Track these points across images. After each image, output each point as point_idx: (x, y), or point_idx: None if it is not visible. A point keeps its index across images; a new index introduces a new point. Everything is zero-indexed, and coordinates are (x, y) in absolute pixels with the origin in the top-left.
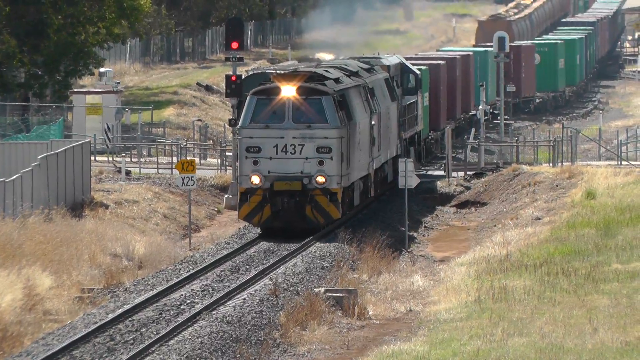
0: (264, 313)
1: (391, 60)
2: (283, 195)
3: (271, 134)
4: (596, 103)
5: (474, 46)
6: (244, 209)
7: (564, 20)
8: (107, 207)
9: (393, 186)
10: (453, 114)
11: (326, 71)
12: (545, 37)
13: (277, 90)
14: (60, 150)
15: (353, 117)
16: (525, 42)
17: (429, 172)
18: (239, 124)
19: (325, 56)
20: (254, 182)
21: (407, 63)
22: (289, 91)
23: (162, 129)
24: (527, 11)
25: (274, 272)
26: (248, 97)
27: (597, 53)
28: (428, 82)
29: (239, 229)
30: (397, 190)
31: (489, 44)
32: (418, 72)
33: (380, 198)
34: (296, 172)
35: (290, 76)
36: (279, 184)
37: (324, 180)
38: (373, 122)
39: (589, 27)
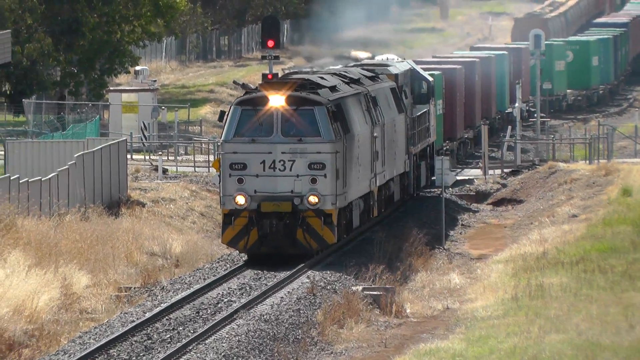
0: (301, 311)
1: (400, 67)
2: (271, 217)
3: (258, 148)
4: (626, 106)
5: (468, 49)
6: (228, 232)
7: (595, 21)
8: (143, 205)
9: (400, 205)
10: (472, 122)
11: (321, 78)
12: (571, 37)
13: (264, 100)
14: (96, 148)
15: (351, 129)
16: (520, 43)
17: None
18: (222, 138)
19: (361, 54)
20: (238, 203)
21: (419, 69)
22: (277, 101)
23: (199, 127)
24: (562, 9)
25: (312, 270)
26: (232, 108)
27: (629, 54)
28: (442, 88)
29: None
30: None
31: (502, 44)
32: (430, 78)
33: (413, 198)
34: (286, 192)
35: (279, 84)
36: (267, 205)
37: (317, 200)
38: (375, 134)
39: (621, 28)
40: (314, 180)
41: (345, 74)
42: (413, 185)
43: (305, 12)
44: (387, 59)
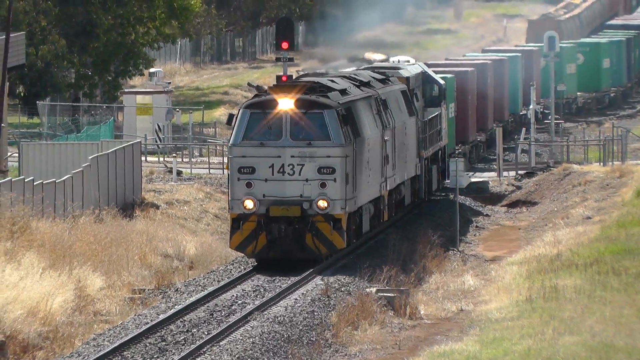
0: (315, 313)
1: (411, 70)
2: (280, 221)
3: (266, 152)
4: None
5: (480, 51)
6: (236, 237)
7: (608, 23)
8: (158, 207)
9: (412, 209)
10: (484, 125)
11: (331, 81)
12: (582, 40)
13: (273, 103)
14: (110, 150)
15: (361, 132)
16: (532, 45)
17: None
18: (230, 142)
19: (376, 56)
20: (247, 207)
21: (430, 72)
22: (286, 104)
23: (213, 129)
24: (576, 11)
25: (325, 272)
26: (240, 111)
27: None
28: (454, 91)
29: None
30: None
31: (517, 46)
32: (442, 81)
33: (428, 199)
34: (295, 196)
35: (288, 87)
36: (276, 209)
37: (326, 204)
38: (386, 138)
39: (635, 30)
40: (323, 185)
41: (356, 76)
42: (424, 189)
43: (320, 14)
44: (399, 61)
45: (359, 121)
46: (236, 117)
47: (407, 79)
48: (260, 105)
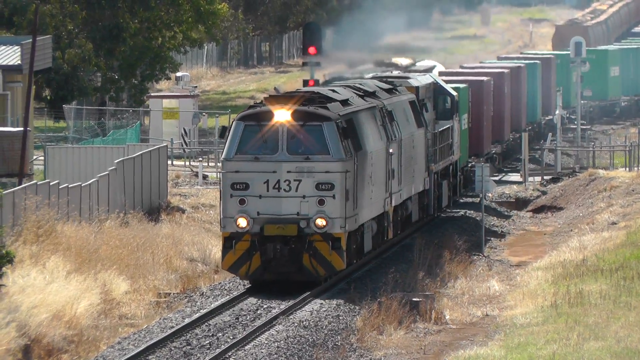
0: (340, 317)
1: (421, 80)
2: (275, 241)
3: (261, 167)
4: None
5: (496, 58)
6: (229, 257)
7: (634, 30)
8: (183, 211)
9: (422, 225)
10: (500, 136)
11: (332, 91)
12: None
13: (268, 115)
14: (136, 154)
15: (363, 146)
16: (549, 53)
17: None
18: (223, 156)
19: (402, 61)
20: (240, 226)
21: (442, 82)
22: (282, 116)
23: None
24: (603, 16)
25: (351, 276)
26: (234, 123)
27: None
28: (468, 102)
29: None
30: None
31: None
32: (454, 92)
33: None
34: (291, 214)
35: (285, 98)
36: (271, 228)
37: (324, 223)
38: (391, 151)
39: None
40: (321, 202)
41: (360, 86)
42: (433, 205)
43: (347, 19)
44: (407, 69)
45: (361, 134)
46: (229, 130)
47: (417, 88)
48: (255, 117)
